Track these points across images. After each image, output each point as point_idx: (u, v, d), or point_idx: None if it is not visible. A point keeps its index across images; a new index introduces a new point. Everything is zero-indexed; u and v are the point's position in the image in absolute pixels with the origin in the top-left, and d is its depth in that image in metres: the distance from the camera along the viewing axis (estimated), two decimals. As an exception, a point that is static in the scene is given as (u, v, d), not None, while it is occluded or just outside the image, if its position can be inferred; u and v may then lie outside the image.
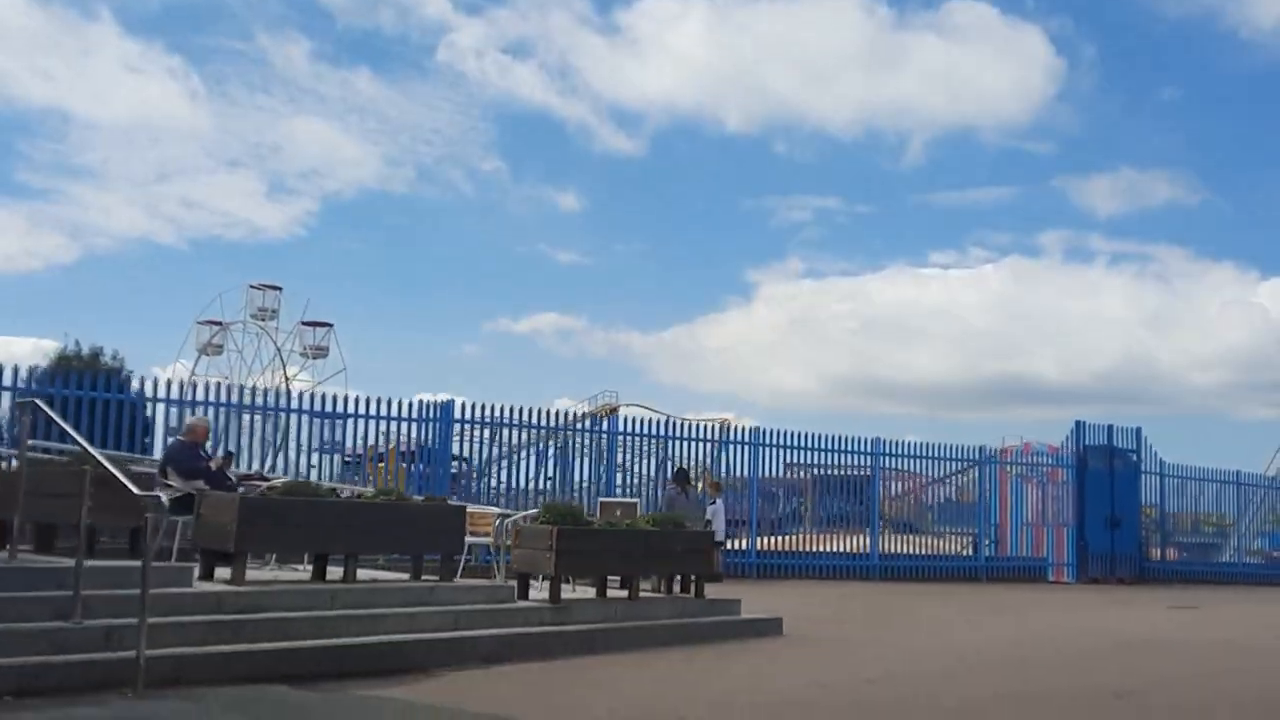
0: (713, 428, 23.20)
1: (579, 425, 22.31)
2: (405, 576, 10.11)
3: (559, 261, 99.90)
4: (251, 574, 9.04)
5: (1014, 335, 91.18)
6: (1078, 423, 25.65)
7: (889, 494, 25.33)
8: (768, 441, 22.21)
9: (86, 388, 16.29)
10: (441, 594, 9.46)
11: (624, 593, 10.90)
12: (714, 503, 19.16)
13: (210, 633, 7.63)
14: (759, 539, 21.87)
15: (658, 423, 22.55)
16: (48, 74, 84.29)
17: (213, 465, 10.74)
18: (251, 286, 72.44)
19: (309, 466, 18.41)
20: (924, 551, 23.64)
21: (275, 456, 18.78)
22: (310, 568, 9.68)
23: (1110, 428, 26.11)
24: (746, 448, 22.05)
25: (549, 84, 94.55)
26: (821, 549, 22.38)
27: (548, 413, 20.50)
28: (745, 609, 13.03)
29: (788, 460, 23.03)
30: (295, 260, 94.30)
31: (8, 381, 15.45)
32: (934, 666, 9.87)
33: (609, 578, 10.99)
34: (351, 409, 18.32)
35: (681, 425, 22.45)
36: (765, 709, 7.55)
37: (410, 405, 18.86)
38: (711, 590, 12.28)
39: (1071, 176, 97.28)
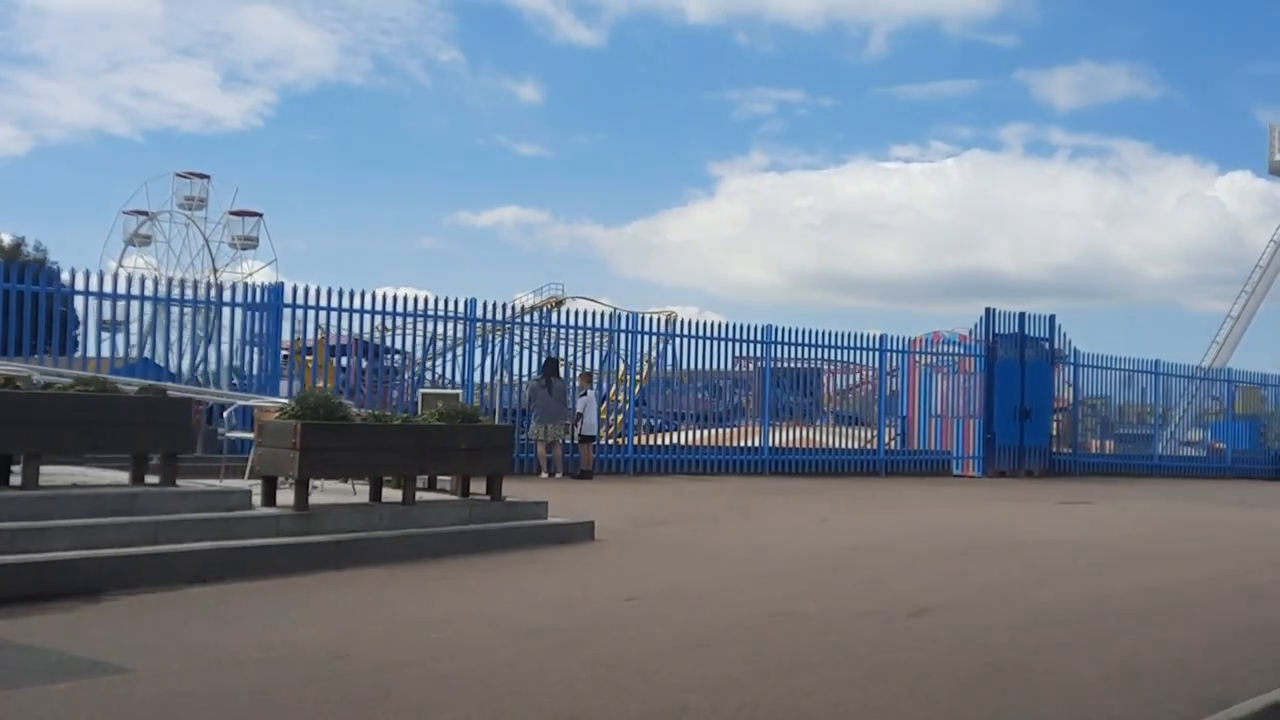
0: (658, 321, 22.32)
1: (522, 318, 21.06)
2: (126, 480, 8.77)
3: (520, 154, 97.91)
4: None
5: (974, 229, 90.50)
6: (987, 310, 24.48)
7: (833, 387, 24.44)
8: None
9: (12, 280, 15.13)
10: (146, 501, 8.12)
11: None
12: (584, 395, 18.02)
13: None
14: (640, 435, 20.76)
15: (602, 315, 21.26)
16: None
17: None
18: (178, 175, 70.08)
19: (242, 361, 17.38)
20: (824, 445, 22.51)
21: (205, 349, 17.70)
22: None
23: (1022, 315, 24.98)
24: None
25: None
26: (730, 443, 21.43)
27: (489, 305, 19.26)
28: (577, 509, 11.91)
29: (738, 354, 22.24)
30: (252, 152, 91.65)
31: None
32: (729, 578, 8.71)
33: (387, 479, 9.74)
34: (339, 304, 17.24)
35: (626, 318, 21.19)
36: (486, 636, 6.32)
37: (342, 295, 17.54)
38: (519, 491, 11.11)
39: (1033, 70, 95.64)
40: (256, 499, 8.95)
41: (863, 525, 13.00)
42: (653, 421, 22.58)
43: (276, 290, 16.75)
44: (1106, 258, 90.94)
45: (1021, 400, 24.41)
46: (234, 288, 16.82)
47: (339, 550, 8.56)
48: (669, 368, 21.95)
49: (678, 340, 21.43)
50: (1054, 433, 26.27)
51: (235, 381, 17.68)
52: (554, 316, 21.99)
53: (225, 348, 17.25)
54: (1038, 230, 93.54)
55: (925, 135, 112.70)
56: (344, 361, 19.40)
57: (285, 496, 8.99)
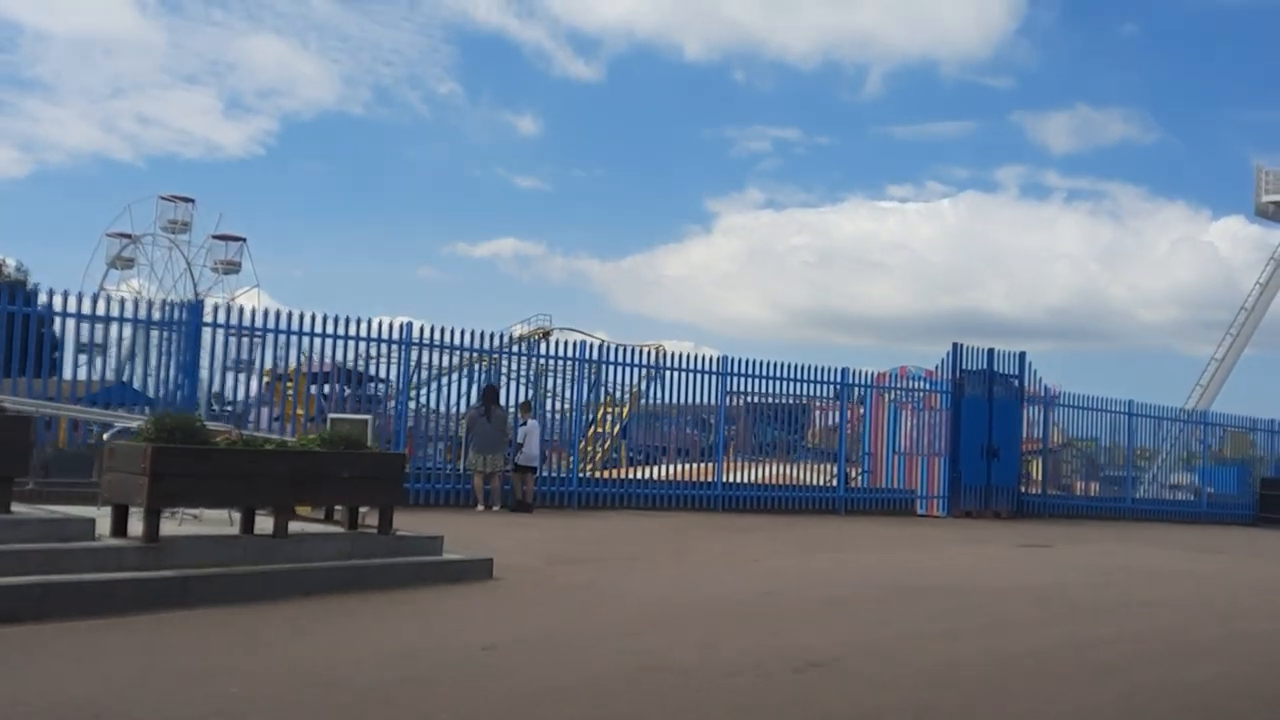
0: (647, 353, 21.78)
1: (510, 348, 20.41)
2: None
3: (518, 186, 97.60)
4: None
5: (969, 270, 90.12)
6: (954, 345, 23.77)
7: (817, 423, 23.72)
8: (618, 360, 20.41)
9: (14, 303, 14.75)
10: (-41, 530, 7.40)
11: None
12: (523, 424, 17.33)
13: None
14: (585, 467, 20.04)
15: (588, 347, 20.63)
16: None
17: None
18: (162, 198, 69.44)
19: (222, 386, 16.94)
20: (784, 481, 21.75)
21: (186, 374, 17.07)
22: None
23: (991, 351, 24.28)
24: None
25: (506, 6, 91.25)
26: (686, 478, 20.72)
27: (475, 334, 18.59)
28: (497, 545, 11.27)
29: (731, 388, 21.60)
30: (253, 180, 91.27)
31: None
32: (614, 625, 7.99)
33: (260, 510, 9.01)
34: (264, 324, 16.55)
35: (615, 350, 20.58)
36: (291, 691, 5.59)
37: (326, 321, 16.89)
38: (413, 525, 10.40)
39: (1029, 112, 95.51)
40: (105, 529, 8.23)
41: (795, 567, 12.26)
42: (636, 455, 21.92)
43: (195, 308, 16.02)
44: (1101, 301, 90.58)
45: (989, 439, 23.67)
46: (149, 305, 16.01)
47: (187, 587, 7.83)
48: (655, 402, 21.30)
49: (630, 370, 20.75)
50: (1035, 475, 25.61)
51: (215, 408, 17.02)
52: (522, 346, 21.29)
53: (205, 373, 16.73)
54: (1032, 272, 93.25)
55: (921, 175, 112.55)
56: (323, 390, 18.77)
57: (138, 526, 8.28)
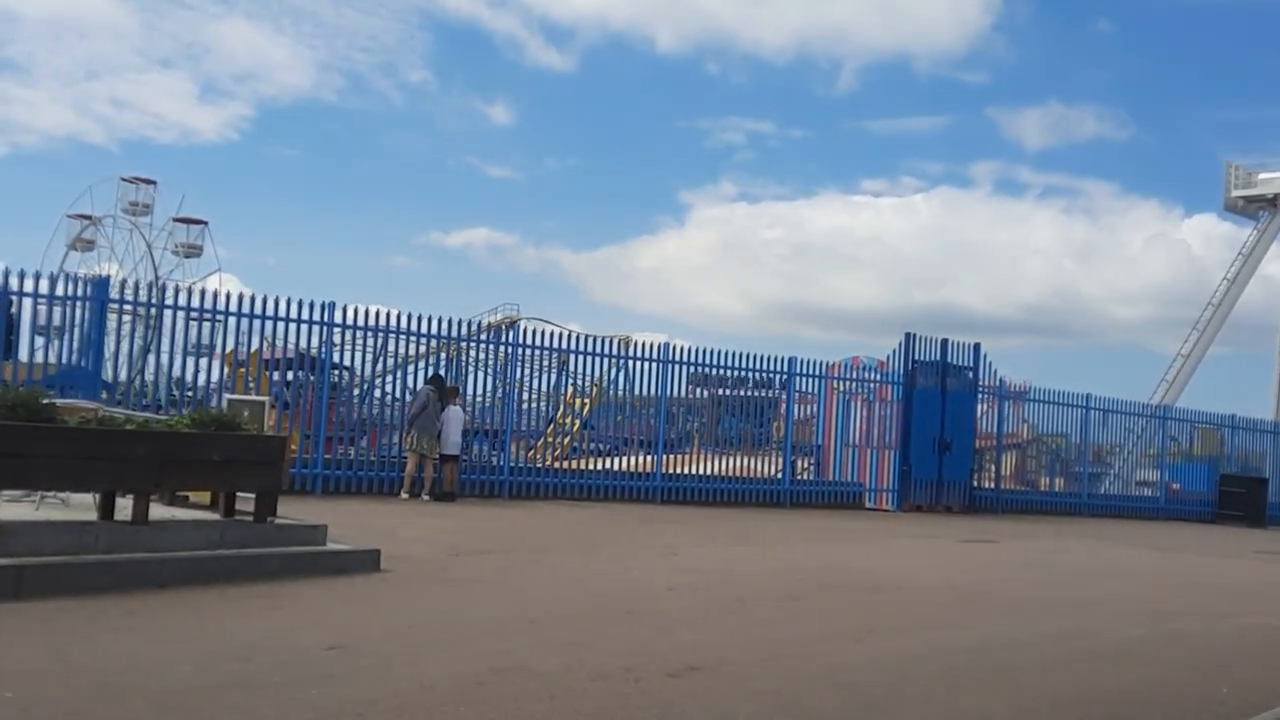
0: (616, 343, 21.08)
1: (476, 337, 19.78)
2: None
3: (490, 175, 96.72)
4: None
5: (943, 265, 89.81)
6: (907, 335, 23.22)
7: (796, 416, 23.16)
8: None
9: None
10: None
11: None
12: (444, 409, 16.69)
13: None
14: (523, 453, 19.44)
15: (556, 335, 20.05)
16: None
17: None
18: (124, 179, 68.27)
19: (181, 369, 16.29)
20: (728, 473, 21.19)
21: (144, 358, 16.46)
22: None
23: (945, 342, 23.73)
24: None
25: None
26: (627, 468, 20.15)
27: (441, 321, 17.91)
28: (404, 534, 10.75)
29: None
30: (228, 166, 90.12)
31: None
32: (489, 623, 7.35)
33: (120, 495, 8.35)
34: (225, 306, 15.98)
35: (581, 339, 20.04)
36: (74, 696, 4.95)
37: (288, 304, 16.25)
38: (319, 512, 9.78)
39: (1003, 108, 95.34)
40: (-62, 514, 7.56)
41: (712, 561, 11.68)
42: (601, 446, 21.36)
43: (101, 284, 15.30)
44: (1074, 297, 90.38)
45: (941, 432, 23.16)
46: (50, 277, 15.26)
47: (21, 577, 7.16)
48: (619, 393, 20.70)
49: (576, 357, 20.13)
50: (1005, 470, 25.18)
51: (175, 394, 16.37)
52: (481, 335, 20.58)
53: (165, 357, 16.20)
54: (1006, 268, 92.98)
55: (895, 170, 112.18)
56: (283, 376, 18.14)
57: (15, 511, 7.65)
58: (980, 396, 24.45)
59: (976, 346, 24.29)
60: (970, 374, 24.08)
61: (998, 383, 24.89)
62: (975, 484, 24.15)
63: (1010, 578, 11.75)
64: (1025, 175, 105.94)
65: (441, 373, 18.06)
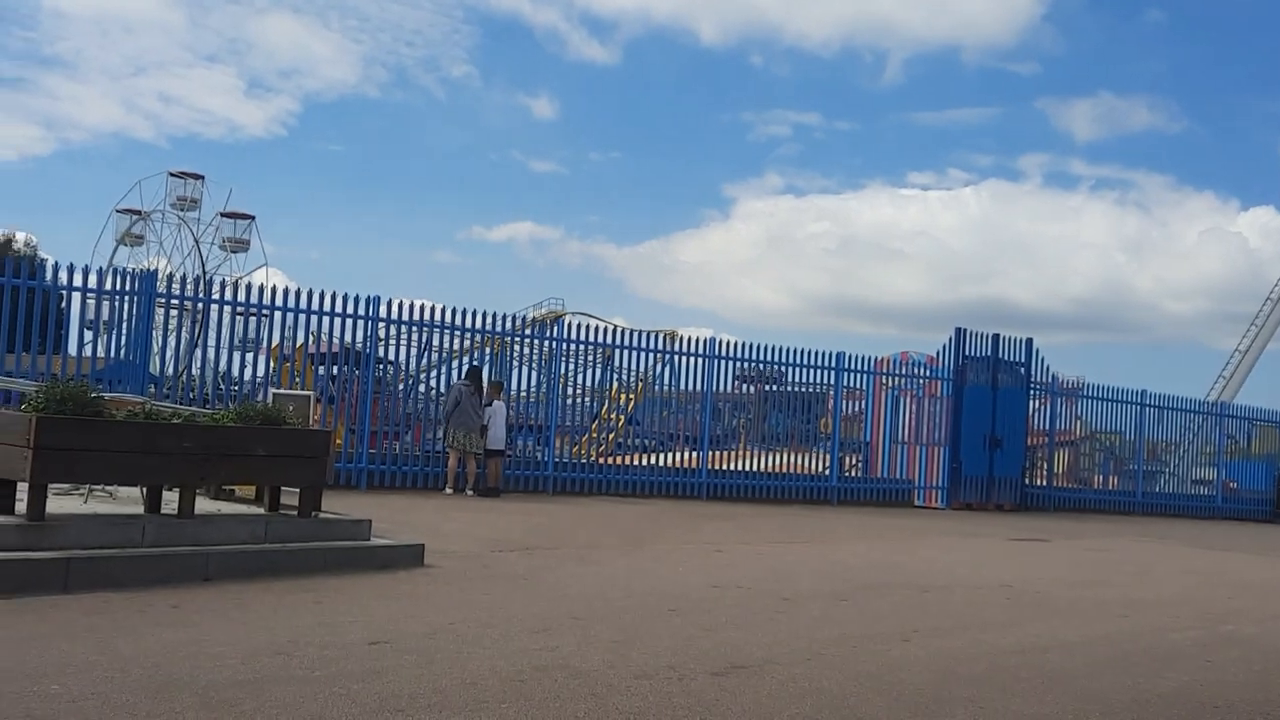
0: (662, 338, 21.12)
1: (520, 331, 19.81)
2: None
3: (533, 169, 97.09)
4: None
5: (992, 259, 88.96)
6: (957, 330, 23.03)
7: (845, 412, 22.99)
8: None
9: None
10: None
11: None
12: (489, 404, 16.71)
13: None
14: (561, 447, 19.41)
15: (601, 330, 20.10)
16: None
17: None
18: (172, 174, 69.15)
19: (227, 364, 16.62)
20: (774, 469, 21.08)
21: (191, 352, 16.77)
22: None
23: (996, 337, 23.49)
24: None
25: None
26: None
27: (485, 315, 17.97)
28: (447, 529, 10.77)
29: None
30: (274, 160, 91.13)
31: None
32: (531, 619, 7.31)
33: (168, 488, 8.42)
34: (270, 302, 16.15)
35: (626, 334, 20.06)
36: (118, 690, 4.97)
37: (333, 299, 16.36)
38: (365, 507, 9.80)
39: (1053, 99, 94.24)
40: (-12, 506, 7.64)
41: (759, 559, 11.59)
42: (646, 442, 21.36)
43: (149, 279, 15.44)
44: (1126, 292, 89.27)
45: (992, 428, 22.93)
46: (99, 272, 15.44)
47: (70, 569, 7.22)
48: (665, 388, 20.65)
49: (621, 352, 20.10)
50: (1058, 468, 24.88)
51: (222, 388, 16.60)
52: (526, 330, 20.54)
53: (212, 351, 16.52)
54: (1056, 262, 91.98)
55: (943, 162, 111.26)
56: (329, 371, 18.32)
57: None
58: (1032, 393, 24.15)
59: (1029, 342, 24.01)
60: (1022, 370, 23.80)
61: (1050, 379, 24.57)
62: (1027, 482, 23.86)
63: (1061, 578, 11.56)
64: (1076, 167, 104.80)
65: (478, 365, 18.00)
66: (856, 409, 23.45)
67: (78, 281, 14.77)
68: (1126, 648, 7.69)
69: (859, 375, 22.49)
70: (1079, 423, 26.65)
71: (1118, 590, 10.96)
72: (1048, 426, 24.90)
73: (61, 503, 8.37)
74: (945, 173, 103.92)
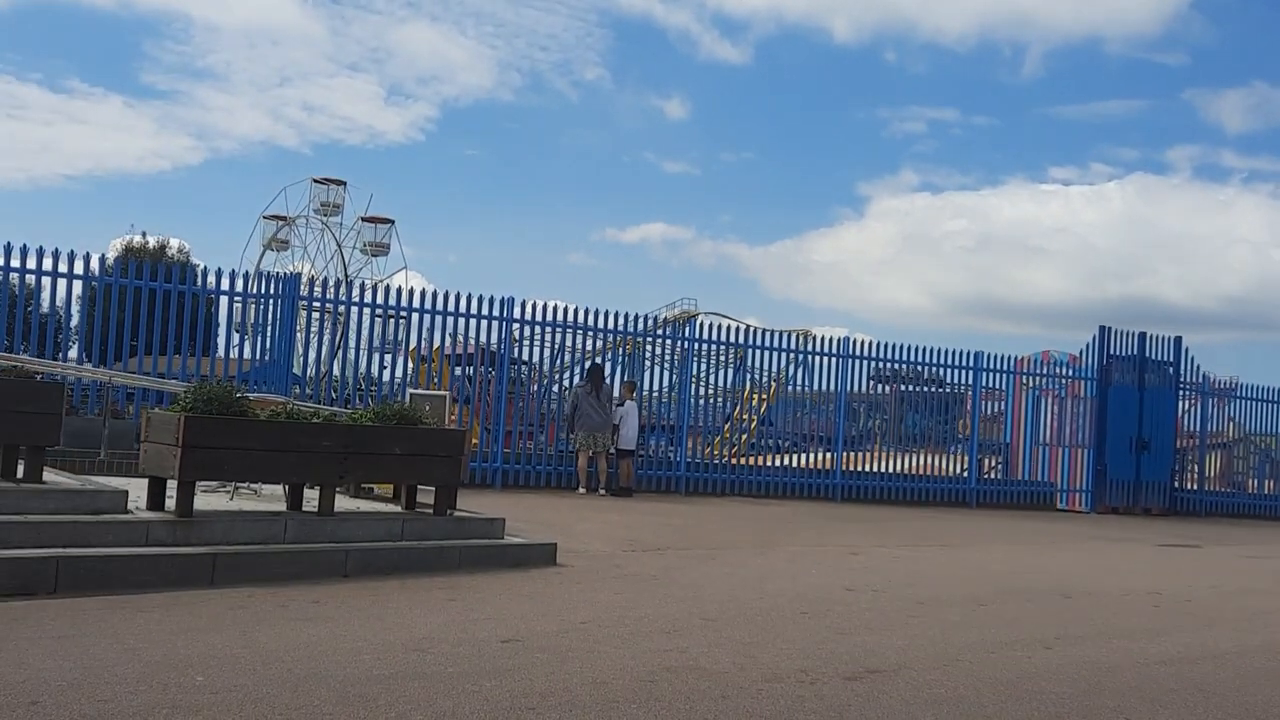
0: (795, 338, 21.07)
1: (653, 332, 19.97)
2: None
3: (666, 171, 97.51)
4: None
5: (1138, 256, 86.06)
6: (1101, 328, 22.29)
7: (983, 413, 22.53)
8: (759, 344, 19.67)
9: (154, 279, 15.22)
10: (-8, 500, 7.14)
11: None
12: (621, 404, 16.76)
13: None
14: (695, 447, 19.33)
15: (733, 330, 20.13)
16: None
17: None
18: (315, 181, 71.16)
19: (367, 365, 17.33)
20: (909, 471, 20.72)
21: (333, 353, 17.47)
22: None
23: (1143, 336, 22.69)
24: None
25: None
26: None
27: (618, 316, 18.19)
28: (581, 529, 10.86)
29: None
30: (413, 166, 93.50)
31: (79, 270, 14.79)
32: (662, 620, 7.29)
33: (309, 486, 8.62)
34: (407, 303, 16.68)
35: (759, 334, 20.03)
36: (261, 684, 5.10)
37: (469, 300, 16.81)
38: (501, 507, 9.93)
39: (1202, 90, 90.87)
40: (141, 502, 7.94)
41: (893, 562, 11.38)
42: (780, 442, 21.26)
43: (292, 282, 15.90)
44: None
45: (1139, 430, 22.16)
46: (245, 277, 15.98)
47: (216, 564, 7.46)
48: (798, 388, 20.54)
49: (754, 352, 19.97)
50: (1209, 471, 23.95)
51: (362, 388, 17.13)
52: (660, 329, 20.51)
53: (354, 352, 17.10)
54: (1208, 258, 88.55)
55: (1085, 157, 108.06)
56: (465, 371, 18.71)
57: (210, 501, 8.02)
58: (1182, 393, 23.28)
59: (1178, 340, 23.15)
60: (1170, 369, 22.97)
61: (1201, 379, 23.64)
62: (1176, 485, 23.00)
63: (1213, 586, 11.09)
64: (1228, 160, 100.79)
65: (599, 364, 17.98)
66: (996, 409, 22.92)
67: (225, 286, 15.33)
68: (1284, 660, 7.33)
69: (998, 375, 21.95)
70: (1232, 424, 25.59)
71: (1274, 598, 10.47)
72: (1198, 428, 23.97)
73: (209, 500, 8.66)
74: (1088, 167, 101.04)
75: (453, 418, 12.60)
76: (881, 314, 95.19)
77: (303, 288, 16.05)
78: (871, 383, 21.56)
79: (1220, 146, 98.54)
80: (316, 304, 16.49)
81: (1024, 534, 15.82)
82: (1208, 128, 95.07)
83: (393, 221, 68.91)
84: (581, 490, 16.39)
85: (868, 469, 20.29)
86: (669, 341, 20.27)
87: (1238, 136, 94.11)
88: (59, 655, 5.29)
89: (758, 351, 19.86)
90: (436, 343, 17.15)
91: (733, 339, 19.68)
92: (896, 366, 21.19)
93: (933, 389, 21.92)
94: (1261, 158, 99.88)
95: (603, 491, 16.45)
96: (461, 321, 16.86)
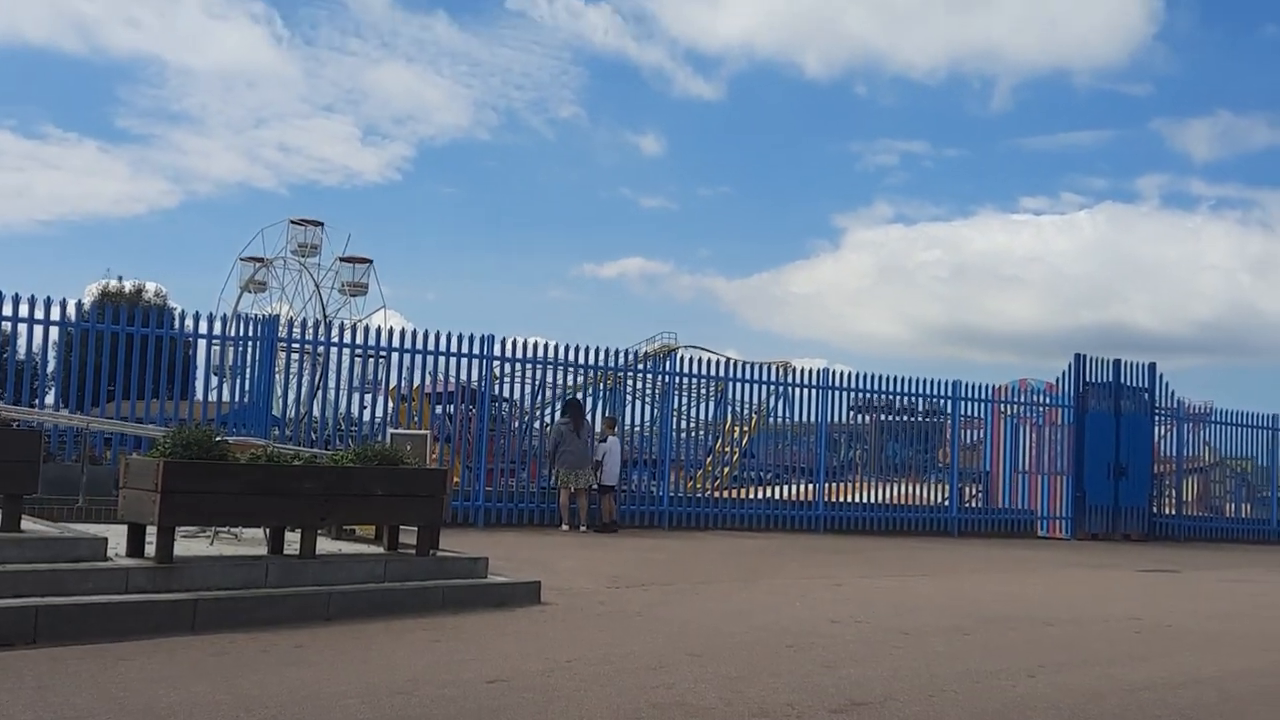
0: (775, 369, 21.06)
1: (633, 366, 19.97)
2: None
3: (643, 206, 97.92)
4: None
5: (1110, 283, 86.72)
6: (1077, 356, 22.43)
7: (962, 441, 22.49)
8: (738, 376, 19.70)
9: (130, 324, 15.15)
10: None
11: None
12: (603, 440, 16.76)
13: None
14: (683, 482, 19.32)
15: (714, 363, 20.12)
16: (138, 22, 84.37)
17: None
18: (293, 222, 71.04)
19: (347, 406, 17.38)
20: (890, 500, 20.75)
21: (313, 394, 17.34)
22: None
23: (1118, 363, 22.85)
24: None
25: (623, 28, 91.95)
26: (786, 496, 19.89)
27: (598, 351, 18.19)
28: (563, 566, 10.80)
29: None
30: (390, 205, 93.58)
31: (56, 316, 14.70)
32: (647, 656, 7.28)
33: (290, 529, 8.58)
34: (387, 343, 16.62)
35: (740, 367, 20.04)
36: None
37: (449, 339, 16.81)
38: (480, 545, 9.90)
39: (1169, 120, 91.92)
40: (121, 548, 7.88)
41: (878, 593, 11.38)
42: (762, 474, 21.25)
43: (270, 324, 15.87)
44: (1253, 313, 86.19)
45: (1116, 456, 22.28)
46: (223, 319, 15.92)
47: (197, 610, 7.41)
48: (779, 420, 20.57)
49: (734, 385, 20.00)
50: (1186, 495, 24.05)
51: (342, 428, 17.06)
52: (639, 364, 20.48)
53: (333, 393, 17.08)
54: (1178, 284, 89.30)
55: (1055, 186, 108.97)
56: (445, 410, 18.66)
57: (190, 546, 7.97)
58: (1157, 419, 23.44)
59: (1152, 366, 23.36)
60: (1146, 395, 23.13)
61: (1176, 404, 23.82)
62: (1155, 510, 23.12)
63: (1194, 611, 11.15)
64: (1196, 188, 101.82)
65: (575, 398, 17.96)
66: (975, 438, 23.01)
67: (204, 329, 15.30)
68: (1266, 684, 7.39)
69: (976, 404, 22.06)
70: (1208, 449, 25.75)
71: (1255, 624, 10.53)
72: (1175, 453, 24.12)
73: (189, 545, 8.60)
74: (1058, 197, 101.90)
75: (434, 457, 12.57)
76: (860, 344, 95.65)
77: (281, 329, 16.01)
78: (852, 413, 21.60)
79: (1188, 175, 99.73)
80: (296, 345, 16.47)
81: (1005, 562, 15.86)
82: (1175, 156, 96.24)
83: (371, 261, 68.85)
84: (564, 527, 16.36)
85: (850, 499, 20.30)
86: (650, 376, 20.29)
87: (1204, 165, 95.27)
88: (39, 706, 5.24)
89: (738, 384, 19.91)
90: (417, 381, 17.13)
91: (713, 372, 19.70)
92: (876, 397, 21.25)
93: (913, 418, 22.00)
94: (1228, 185, 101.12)
95: (584, 528, 16.41)
96: (442, 360, 16.86)
